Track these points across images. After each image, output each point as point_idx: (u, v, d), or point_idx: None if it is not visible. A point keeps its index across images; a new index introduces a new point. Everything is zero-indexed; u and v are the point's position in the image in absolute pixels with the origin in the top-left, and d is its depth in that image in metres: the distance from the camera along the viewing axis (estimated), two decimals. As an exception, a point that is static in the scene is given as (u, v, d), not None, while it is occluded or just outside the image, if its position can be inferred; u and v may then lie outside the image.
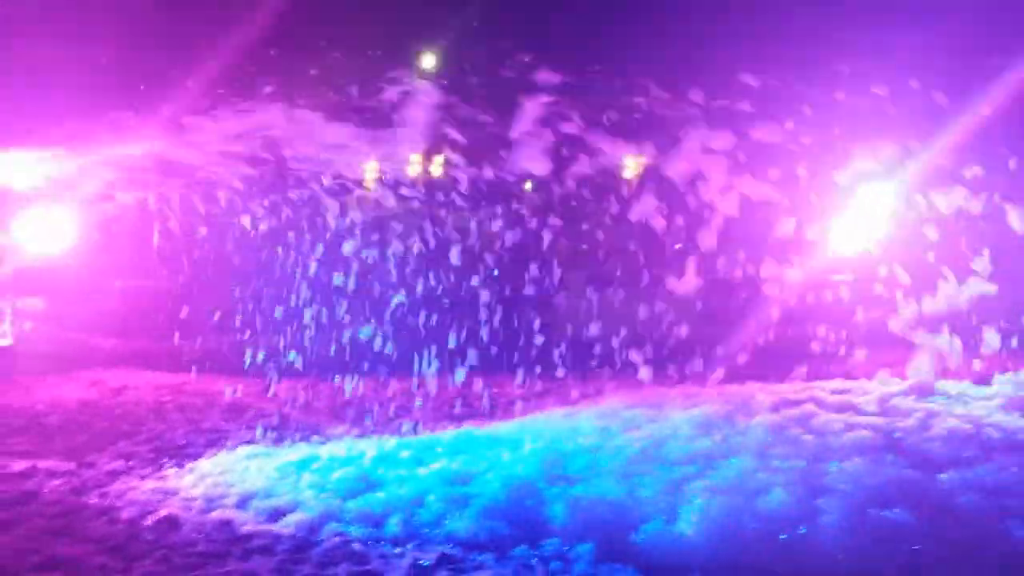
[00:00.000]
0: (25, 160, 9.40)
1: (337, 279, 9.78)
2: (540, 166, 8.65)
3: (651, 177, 9.15)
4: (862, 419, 5.98)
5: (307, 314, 9.57)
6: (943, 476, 5.22)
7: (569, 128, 8.33)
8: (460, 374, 8.45)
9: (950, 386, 6.99)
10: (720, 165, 8.31)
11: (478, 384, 8.43)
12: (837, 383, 7.20)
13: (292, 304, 9.70)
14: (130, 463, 6.39)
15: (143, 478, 6.03)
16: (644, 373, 7.94)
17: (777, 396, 6.57)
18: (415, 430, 7.19)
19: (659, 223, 8.90)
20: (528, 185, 10.52)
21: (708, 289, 8.87)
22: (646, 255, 9.49)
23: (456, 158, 9.22)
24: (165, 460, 6.47)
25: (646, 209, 8.90)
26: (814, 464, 5.32)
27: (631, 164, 9.90)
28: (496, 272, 9.58)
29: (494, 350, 8.67)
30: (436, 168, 10.20)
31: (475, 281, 9.39)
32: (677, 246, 9.23)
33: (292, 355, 9.07)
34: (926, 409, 6.19)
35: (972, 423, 5.95)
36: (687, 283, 8.54)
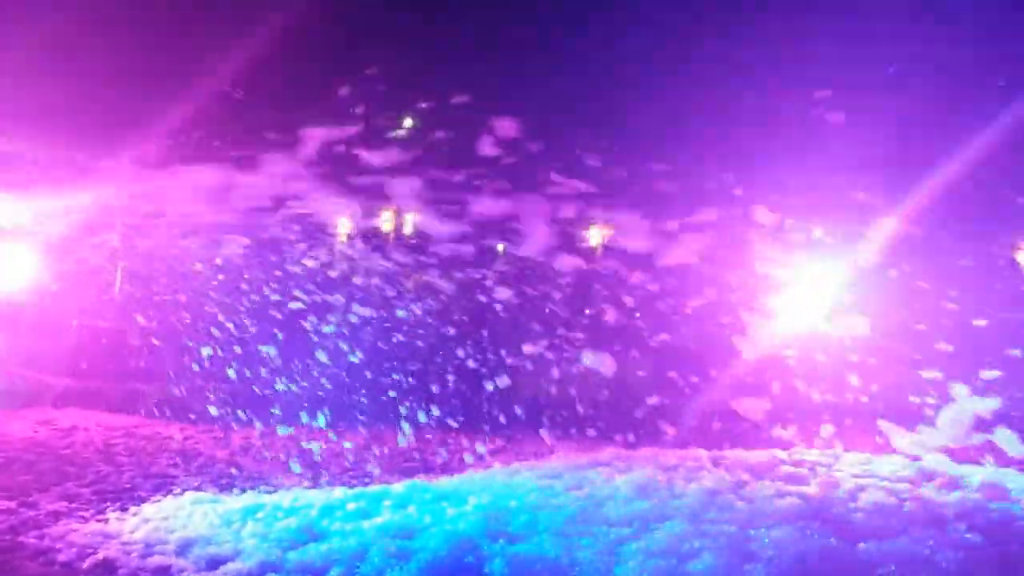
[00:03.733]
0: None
1: (300, 332, 9.90)
2: (510, 231, 8.98)
3: (612, 247, 9.53)
4: (793, 488, 6.24)
5: (267, 363, 9.64)
6: (864, 546, 5.44)
7: (535, 198, 8.69)
8: (414, 430, 8.56)
9: (880, 460, 7.30)
10: (677, 238, 8.72)
11: (432, 439, 8.55)
12: (773, 452, 7.47)
13: (252, 353, 9.77)
14: (72, 504, 6.37)
15: (84, 520, 6.02)
16: (592, 435, 8.15)
17: (714, 462, 6.81)
18: (364, 482, 7.25)
19: (618, 292, 9.23)
20: (500, 247, 10.82)
21: (660, 357, 9.16)
22: (604, 323, 9.79)
23: (425, 218, 9.51)
24: (108, 503, 6.45)
25: (607, 279, 9.24)
26: (744, 530, 5.53)
27: (595, 233, 10.28)
28: (457, 332, 9.79)
29: (451, 408, 8.82)
30: (407, 226, 10.48)
31: (436, 340, 9.59)
32: (636, 315, 9.55)
33: (248, 403, 9.10)
34: (855, 481, 6.47)
35: (896, 496, 6.23)
36: (641, 351, 8.84)
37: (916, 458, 7.48)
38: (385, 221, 10.43)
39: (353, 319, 9.83)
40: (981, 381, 8.35)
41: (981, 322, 8.72)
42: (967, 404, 8.09)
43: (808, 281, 9.54)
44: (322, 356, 9.71)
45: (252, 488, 7.00)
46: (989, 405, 8.10)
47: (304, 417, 8.97)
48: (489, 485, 6.51)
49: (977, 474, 6.98)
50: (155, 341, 10.28)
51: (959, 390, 8.13)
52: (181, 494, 6.70)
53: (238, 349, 9.85)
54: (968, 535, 5.61)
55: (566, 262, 9.91)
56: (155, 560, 5.33)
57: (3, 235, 9.87)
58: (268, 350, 9.79)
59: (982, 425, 7.95)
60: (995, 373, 8.78)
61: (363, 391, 9.18)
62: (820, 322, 9.31)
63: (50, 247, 10.18)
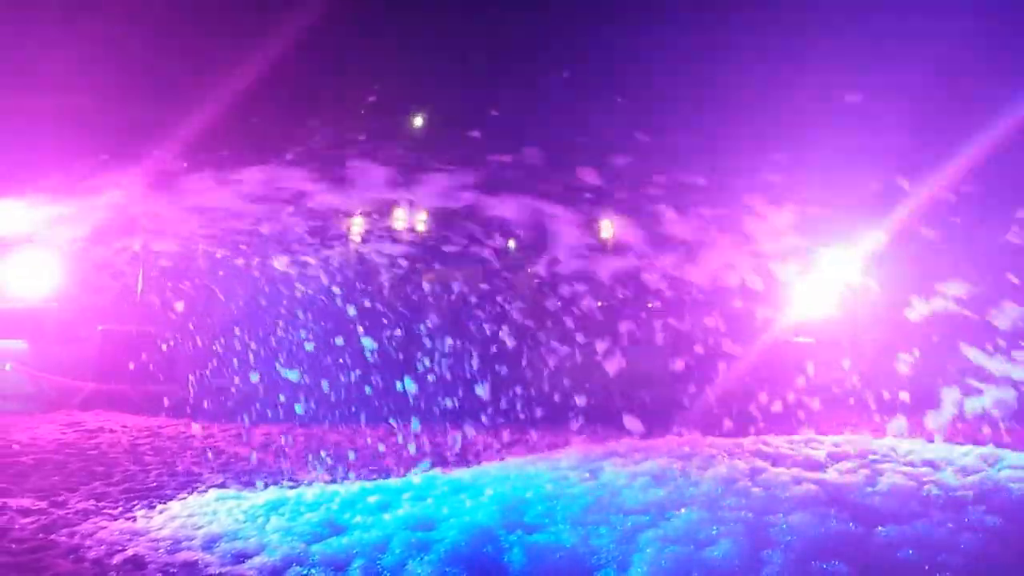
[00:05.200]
0: (9, 206, 9.67)
1: (316, 329, 10.05)
2: (518, 225, 9.06)
3: (625, 239, 9.57)
4: (809, 474, 6.24)
5: (284, 363, 9.79)
6: (883, 530, 5.44)
7: (544, 192, 8.76)
8: (431, 423, 8.68)
9: (898, 444, 7.28)
10: (688, 228, 8.74)
11: (447, 433, 8.66)
12: (789, 438, 7.48)
13: (270, 353, 9.93)
14: (101, 503, 6.52)
15: (113, 518, 6.16)
16: (607, 426, 8.19)
17: (730, 449, 6.83)
18: (383, 476, 7.36)
19: (630, 283, 9.27)
20: (511, 243, 10.91)
21: (673, 346, 9.19)
22: (616, 313, 9.83)
23: (435, 215, 9.62)
24: (136, 501, 6.61)
25: (618, 270, 9.28)
26: (761, 516, 5.54)
27: (605, 225, 10.34)
28: (468, 326, 9.89)
29: (466, 401, 8.92)
30: (419, 224, 10.61)
31: (448, 335, 9.69)
32: (650, 304, 9.59)
33: (268, 402, 9.26)
34: (872, 465, 6.46)
35: (915, 480, 6.22)
36: (653, 341, 8.87)
37: (934, 441, 7.46)
38: (396, 220, 10.55)
39: (369, 317, 9.94)
40: (1003, 365, 8.28)
41: (1000, 307, 8.66)
42: (987, 387, 8.04)
43: (823, 267, 9.52)
44: (339, 354, 9.84)
45: (274, 484, 7.12)
46: (1011, 389, 8.05)
47: (322, 414, 9.10)
48: (505, 477, 6.57)
49: (997, 457, 6.95)
50: (178, 343, 10.47)
51: (980, 374, 8.09)
52: (206, 491, 6.84)
53: (257, 350, 10.01)
54: (988, 517, 5.58)
55: (576, 256, 9.97)
56: (182, 555, 5.45)
57: (27, 243, 10.11)
58: (286, 350, 9.94)
59: (1003, 408, 7.89)
60: (1019, 355, 8.72)
61: (379, 387, 9.30)
62: (836, 308, 9.30)
63: (73, 253, 10.41)
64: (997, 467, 6.54)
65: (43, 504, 6.40)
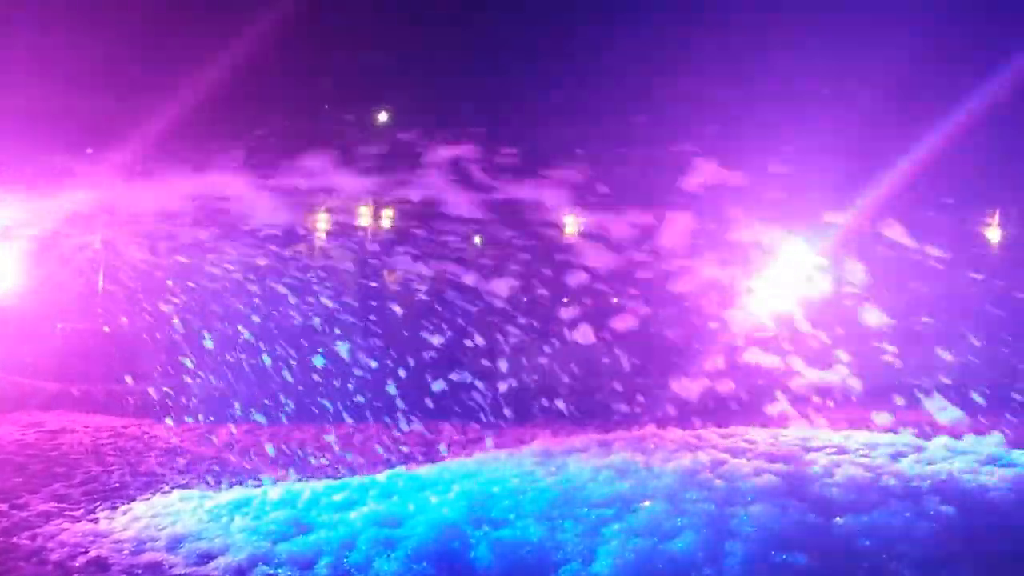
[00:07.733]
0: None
1: (281, 327, 10.00)
2: (486, 219, 9.11)
3: (588, 234, 9.68)
4: (770, 466, 6.37)
5: (249, 360, 9.72)
6: (841, 521, 5.59)
7: (512, 186, 8.81)
8: (397, 419, 8.69)
9: (855, 436, 7.46)
10: (651, 222, 8.86)
11: (414, 430, 8.67)
12: (750, 431, 7.63)
13: (234, 350, 9.85)
14: (63, 505, 6.42)
15: (75, 520, 6.08)
16: (572, 419, 8.27)
17: (692, 442, 6.95)
18: (349, 473, 7.35)
19: (595, 278, 9.37)
20: (477, 239, 10.95)
21: (637, 341, 9.32)
22: (582, 308, 9.92)
23: (405, 210, 9.62)
24: (99, 502, 6.53)
25: (583, 265, 9.38)
26: (723, 508, 5.66)
27: (570, 221, 10.43)
28: (434, 321, 9.90)
29: (431, 396, 8.94)
30: (385, 220, 10.61)
31: (415, 332, 9.71)
32: (614, 300, 9.71)
33: (232, 401, 9.19)
34: (830, 457, 6.61)
35: (872, 471, 6.39)
36: (618, 335, 8.98)
37: (891, 433, 7.66)
38: (362, 216, 10.54)
39: (332, 314, 9.92)
40: (957, 358, 8.53)
41: (954, 301, 8.94)
42: (941, 381, 8.27)
43: (784, 263, 9.70)
44: (303, 352, 9.80)
45: (239, 483, 7.07)
46: (963, 381, 8.29)
47: (287, 412, 9.07)
48: (471, 473, 6.61)
49: (950, 449, 7.15)
50: (139, 342, 10.34)
51: (934, 367, 8.31)
52: (170, 491, 6.77)
53: (221, 348, 9.91)
54: (942, 507, 5.76)
55: (540, 251, 10.05)
56: (146, 557, 5.41)
57: None
58: (249, 348, 9.87)
59: (954, 401, 8.12)
60: (974, 346, 8.99)
61: (344, 385, 9.29)
62: (795, 303, 9.48)
63: (32, 250, 10.22)
64: (951, 459, 6.74)
65: (3, 507, 6.29)
